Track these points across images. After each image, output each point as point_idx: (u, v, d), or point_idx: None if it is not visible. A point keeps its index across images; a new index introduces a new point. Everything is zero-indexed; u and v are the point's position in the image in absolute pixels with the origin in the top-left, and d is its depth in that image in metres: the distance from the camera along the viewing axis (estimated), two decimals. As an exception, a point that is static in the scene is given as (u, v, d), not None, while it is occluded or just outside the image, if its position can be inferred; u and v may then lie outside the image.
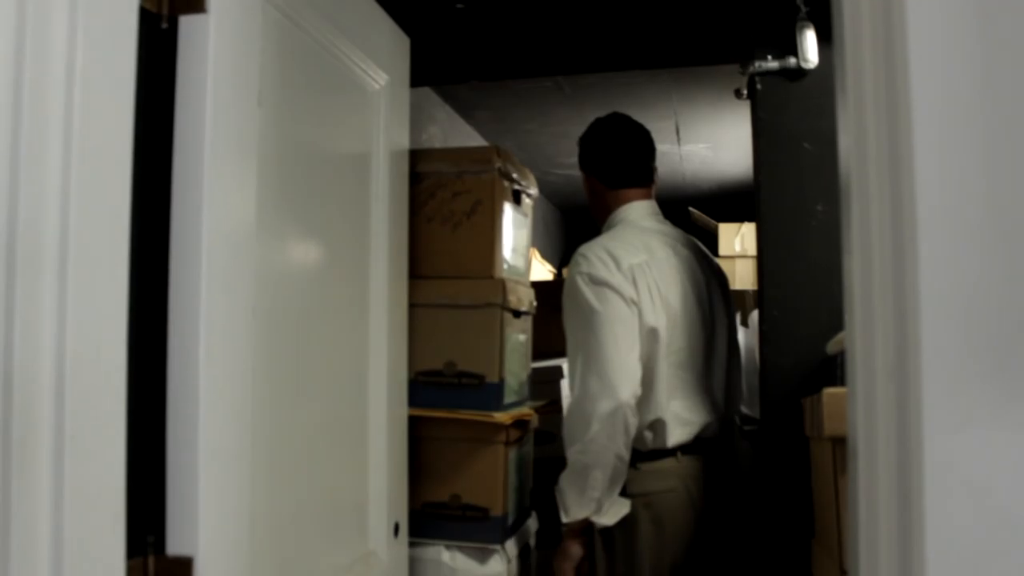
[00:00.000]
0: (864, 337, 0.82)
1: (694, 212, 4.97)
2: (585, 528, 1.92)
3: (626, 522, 1.92)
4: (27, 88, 0.86)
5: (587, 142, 2.19)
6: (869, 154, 0.81)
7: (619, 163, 2.13)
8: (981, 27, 0.73)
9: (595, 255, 1.95)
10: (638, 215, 2.12)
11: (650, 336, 1.93)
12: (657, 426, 1.97)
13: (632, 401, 1.86)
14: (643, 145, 2.17)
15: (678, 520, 1.98)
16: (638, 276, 1.94)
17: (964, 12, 0.73)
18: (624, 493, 1.93)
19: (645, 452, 1.97)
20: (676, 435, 1.98)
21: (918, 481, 0.72)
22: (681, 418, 1.99)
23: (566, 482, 1.89)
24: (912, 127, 0.74)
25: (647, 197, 2.16)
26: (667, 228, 2.15)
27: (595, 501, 1.87)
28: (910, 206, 0.74)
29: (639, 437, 1.95)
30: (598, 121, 2.21)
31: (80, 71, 0.91)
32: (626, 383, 1.85)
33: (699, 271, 2.13)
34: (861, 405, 0.83)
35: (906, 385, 0.74)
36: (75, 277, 0.90)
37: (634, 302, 1.91)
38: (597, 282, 1.91)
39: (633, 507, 1.93)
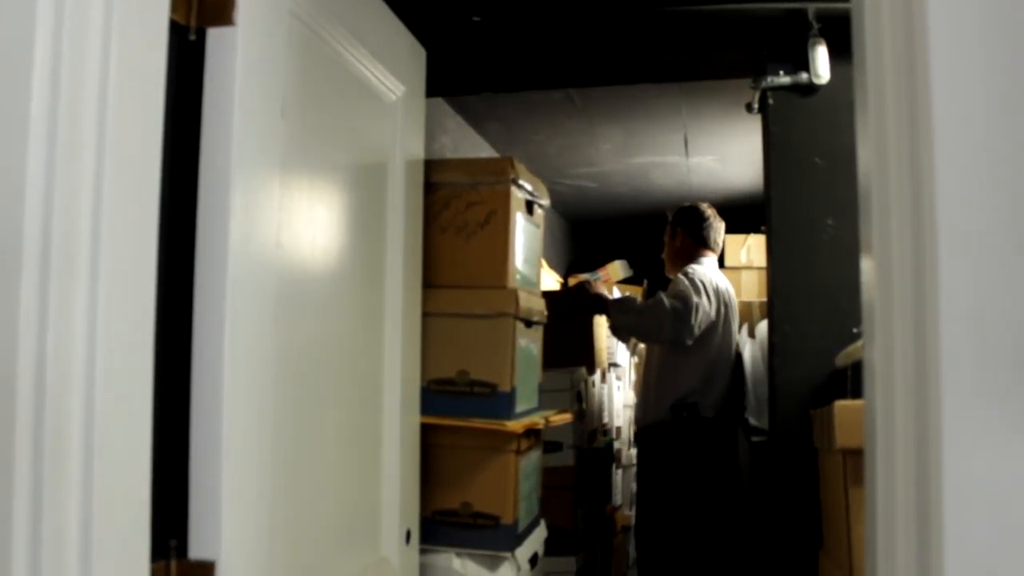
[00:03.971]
0: (883, 351, 0.83)
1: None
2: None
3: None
4: (63, 97, 0.88)
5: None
6: (889, 167, 0.82)
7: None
8: (1003, 40, 0.74)
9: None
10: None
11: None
12: None
13: None
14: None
15: None
16: None
17: (986, 24, 0.74)
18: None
19: None
20: None
21: (937, 494, 0.73)
22: None
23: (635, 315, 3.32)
24: (933, 139, 0.75)
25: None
26: None
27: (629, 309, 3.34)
28: (930, 219, 0.75)
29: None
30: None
31: (113, 80, 0.93)
32: None
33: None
34: (880, 418, 0.84)
35: (925, 399, 0.76)
36: (105, 285, 0.91)
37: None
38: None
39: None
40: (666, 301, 3.22)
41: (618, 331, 3.62)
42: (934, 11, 0.75)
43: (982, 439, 0.71)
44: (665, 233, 3.58)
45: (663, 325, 3.22)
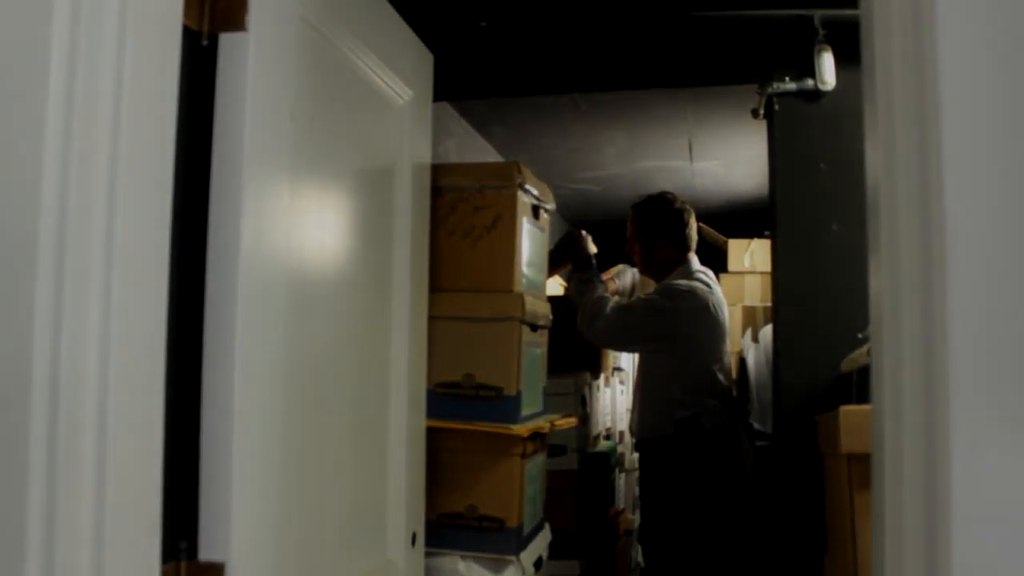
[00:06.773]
0: (891, 356, 0.83)
1: (704, 227, 5.00)
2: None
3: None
4: (78, 100, 0.89)
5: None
6: (897, 172, 0.82)
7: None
8: (1012, 46, 0.74)
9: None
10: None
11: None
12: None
13: None
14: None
15: None
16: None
17: (995, 30, 0.75)
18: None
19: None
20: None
21: (944, 498, 0.73)
22: None
23: (593, 302, 2.97)
24: (942, 145, 0.75)
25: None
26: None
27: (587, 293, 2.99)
28: (939, 224, 0.75)
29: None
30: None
31: (127, 85, 0.93)
32: None
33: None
34: (888, 423, 0.84)
35: (933, 404, 0.76)
36: (118, 289, 0.92)
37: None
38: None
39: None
40: (608, 308, 2.94)
41: (568, 296, 3.15)
42: (943, 18, 0.75)
43: (990, 443, 0.72)
44: (634, 234, 3.19)
45: (585, 321, 2.96)
